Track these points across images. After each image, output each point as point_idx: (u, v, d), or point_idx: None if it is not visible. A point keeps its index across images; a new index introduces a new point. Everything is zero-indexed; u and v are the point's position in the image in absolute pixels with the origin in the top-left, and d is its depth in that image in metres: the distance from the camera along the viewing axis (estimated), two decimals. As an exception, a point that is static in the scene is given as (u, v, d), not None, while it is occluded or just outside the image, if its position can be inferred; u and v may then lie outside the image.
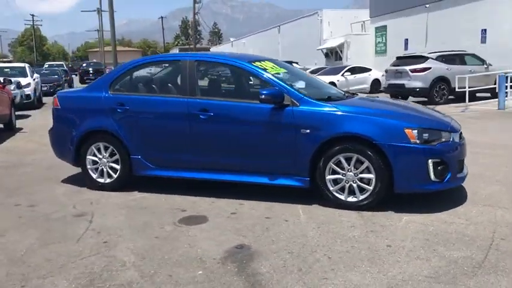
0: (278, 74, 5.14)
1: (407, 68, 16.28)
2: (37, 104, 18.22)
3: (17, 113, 12.98)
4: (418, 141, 4.43)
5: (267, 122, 4.84)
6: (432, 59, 16.33)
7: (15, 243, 4.04)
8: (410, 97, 16.09)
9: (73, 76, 41.52)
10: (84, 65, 44.62)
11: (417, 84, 16.02)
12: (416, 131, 4.44)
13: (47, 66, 40.37)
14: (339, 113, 4.65)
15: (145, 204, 5.05)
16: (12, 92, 13.35)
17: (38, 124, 13.15)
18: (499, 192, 5.19)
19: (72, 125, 5.63)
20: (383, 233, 4.06)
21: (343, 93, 5.52)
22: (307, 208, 4.76)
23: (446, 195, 4.97)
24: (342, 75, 21.93)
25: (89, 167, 5.61)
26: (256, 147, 4.92)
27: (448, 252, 3.65)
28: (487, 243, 3.81)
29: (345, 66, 23.41)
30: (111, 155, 5.50)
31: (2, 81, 12.02)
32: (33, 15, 76.70)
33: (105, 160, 5.53)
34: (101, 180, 5.58)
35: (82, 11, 59.71)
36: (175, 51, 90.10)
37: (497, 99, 15.17)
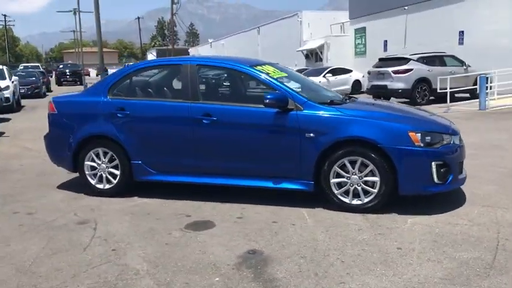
0: (281, 78, 5.15)
1: (390, 69, 16.53)
2: (16, 107, 17.86)
3: (-3, 116, 12.70)
4: (421, 145, 4.51)
5: (271, 126, 4.85)
6: (414, 60, 16.62)
7: (21, 252, 3.95)
8: (392, 98, 16.32)
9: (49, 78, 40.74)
10: (60, 66, 43.81)
11: (399, 85, 16.27)
12: (420, 134, 4.52)
13: (22, 67, 39.53)
14: (343, 116, 4.69)
15: (149, 210, 5.00)
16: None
17: (20, 128, 12.91)
18: (495, 193, 5.32)
19: (69, 130, 5.53)
20: (391, 236, 4.12)
21: (341, 96, 5.57)
22: (312, 212, 4.79)
23: (445, 196, 5.06)
24: (324, 76, 22.09)
25: (87, 172, 5.52)
26: (260, 152, 4.92)
27: (457, 253, 3.73)
28: (493, 244, 3.90)
29: (327, 68, 23.60)
30: (111, 160, 5.43)
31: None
32: (5, 15, 74.94)
33: (104, 166, 5.45)
34: (99, 186, 5.51)
35: (58, 12, 58.46)
36: (152, 52, 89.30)
37: (476, 100, 15.56)
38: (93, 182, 5.52)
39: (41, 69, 36.09)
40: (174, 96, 5.36)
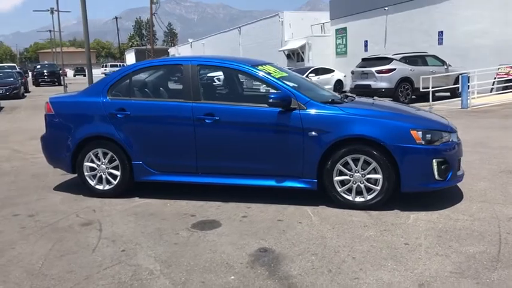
0: (282, 77, 5.19)
1: (373, 69, 16.76)
2: (-4, 108, 17.50)
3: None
4: (423, 142, 4.61)
5: (274, 125, 4.89)
6: (396, 60, 16.90)
7: (28, 255, 3.90)
8: (375, 97, 16.55)
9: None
10: (38, 66, 43.00)
11: (383, 84, 16.52)
12: (421, 132, 4.62)
13: (-2, 68, 38.65)
14: (346, 115, 4.76)
15: (152, 211, 4.98)
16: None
17: (3, 129, 12.71)
18: (489, 189, 5.46)
19: (67, 131, 5.47)
20: (397, 232, 4.21)
21: (340, 96, 5.64)
22: (316, 209, 4.85)
23: (442, 193, 5.19)
24: (307, 76, 22.23)
25: (86, 174, 5.47)
26: (263, 151, 4.96)
27: (463, 247, 3.83)
28: (496, 238, 4.02)
29: (309, 68, 23.77)
30: (110, 161, 5.40)
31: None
32: (-22, 15, 73.10)
33: (104, 166, 5.41)
34: (99, 187, 5.46)
35: (34, 11, 57.20)
36: (131, 52, 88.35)
37: (457, 99, 15.92)
38: (92, 183, 5.47)
39: (18, 70, 35.35)
40: (176, 96, 5.35)
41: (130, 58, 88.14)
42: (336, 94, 5.79)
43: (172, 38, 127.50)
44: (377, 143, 4.62)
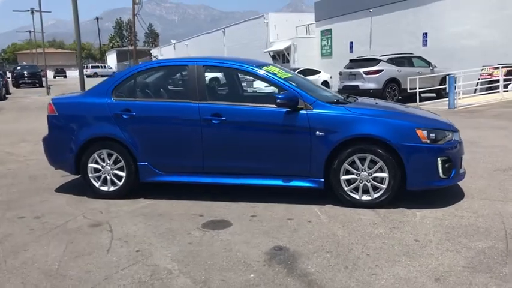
0: (288, 78, 5.25)
1: (361, 70, 16.97)
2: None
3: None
4: (428, 141, 4.72)
5: (281, 125, 4.94)
6: (384, 61, 17.15)
7: (42, 256, 3.88)
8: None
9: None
10: (18, 68, 42.27)
11: (371, 85, 16.73)
12: (426, 131, 4.73)
13: (-24, 69, 37.92)
14: (353, 115, 4.84)
15: (160, 211, 4.99)
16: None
17: (-9, 131, 12.46)
18: (488, 187, 5.61)
19: (71, 132, 5.44)
20: (406, 229, 4.30)
21: (342, 97, 5.72)
22: (323, 208, 4.92)
23: (443, 191, 5.30)
24: (294, 77, 22.35)
25: (90, 175, 5.45)
26: (270, 151, 5.01)
27: (472, 243, 3.94)
28: (502, 233, 4.14)
29: (296, 69, 23.86)
30: (115, 162, 5.39)
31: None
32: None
33: (108, 168, 5.40)
34: (104, 188, 5.45)
35: (14, 11, 56.31)
36: (112, 53, 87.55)
37: (443, 99, 16.23)
38: (96, 184, 5.46)
39: (-1, 71, 34.71)
40: (181, 97, 5.36)
41: (111, 59, 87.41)
42: (338, 95, 5.87)
43: (153, 39, 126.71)
44: (383, 142, 4.72)
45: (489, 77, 17.62)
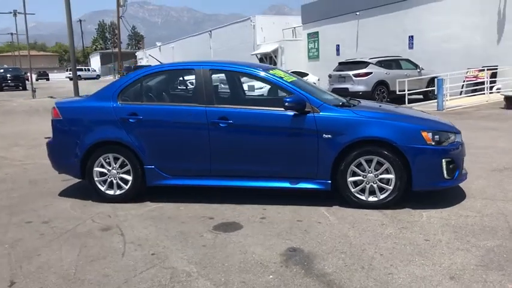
0: (293, 82, 5.31)
1: (351, 72, 17.17)
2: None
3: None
4: (433, 143, 4.83)
5: (288, 128, 5.00)
6: (373, 64, 17.37)
7: (57, 261, 3.87)
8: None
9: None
10: (1, 70, 41.62)
11: (360, 88, 16.93)
12: (431, 133, 4.84)
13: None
14: (360, 118, 4.93)
15: (168, 214, 5.00)
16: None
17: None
18: (487, 187, 5.75)
19: (76, 136, 5.42)
20: (414, 229, 4.39)
21: (345, 100, 5.80)
22: (330, 210, 4.99)
23: (445, 191, 5.42)
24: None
25: (96, 179, 5.44)
26: (277, 153, 5.06)
27: (480, 242, 4.05)
28: (507, 232, 4.26)
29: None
30: (122, 166, 5.38)
31: None
32: None
33: (114, 171, 5.39)
34: (110, 192, 5.44)
35: (-4, 13, 55.19)
36: (96, 55, 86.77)
37: (430, 101, 16.50)
38: (102, 188, 5.44)
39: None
40: (188, 101, 5.39)
41: (95, 62, 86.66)
42: (341, 98, 5.94)
43: (137, 41, 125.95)
44: (390, 144, 4.81)
45: (474, 79, 17.98)
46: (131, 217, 4.96)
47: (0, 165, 8.10)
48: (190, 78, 6.69)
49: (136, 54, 66.45)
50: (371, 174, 4.91)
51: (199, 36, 43.93)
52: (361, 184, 4.96)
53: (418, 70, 18.28)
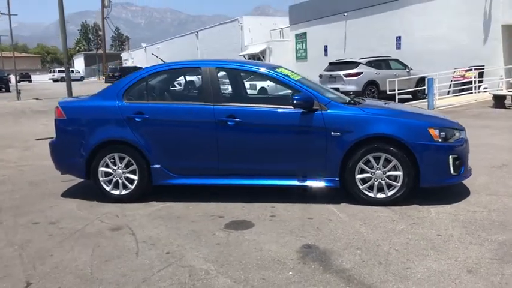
0: (300, 80, 5.33)
1: (341, 72, 17.26)
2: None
3: None
4: (440, 140, 4.89)
5: (296, 126, 5.02)
6: (363, 64, 17.49)
7: (71, 261, 3.82)
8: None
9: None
10: (-16, 72, 40.91)
11: (351, 88, 17.01)
12: (438, 130, 4.90)
13: None
14: (367, 115, 4.96)
15: (177, 214, 4.97)
16: None
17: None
18: (490, 183, 5.83)
19: (81, 136, 5.36)
20: (425, 224, 4.44)
21: (348, 99, 5.83)
22: (339, 207, 5.01)
23: (449, 188, 5.48)
24: (272, 80, 22.51)
25: (101, 179, 5.38)
26: (285, 151, 5.07)
27: (491, 236, 4.10)
28: (516, 226, 4.34)
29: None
30: (127, 165, 5.33)
31: None
32: None
33: (120, 171, 5.34)
34: (115, 192, 5.38)
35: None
36: (80, 57, 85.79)
37: (420, 101, 16.67)
38: (108, 188, 5.39)
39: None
40: (195, 99, 5.38)
41: (78, 63, 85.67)
42: (344, 96, 5.97)
43: (120, 42, 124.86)
44: (398, 141, 4.85)
45: (461, 78, 18.25)
46: (139, 217, 4.92)
47: (-5, 167, 7.96)
48: (191, 77, 6.70)
49: (121, 55, 65.92)
50: (379, 171, 4.94)
51: (186, 37, 43.79)
52: (369, 181, 4.99)
53: (407, 70, 18.46)
